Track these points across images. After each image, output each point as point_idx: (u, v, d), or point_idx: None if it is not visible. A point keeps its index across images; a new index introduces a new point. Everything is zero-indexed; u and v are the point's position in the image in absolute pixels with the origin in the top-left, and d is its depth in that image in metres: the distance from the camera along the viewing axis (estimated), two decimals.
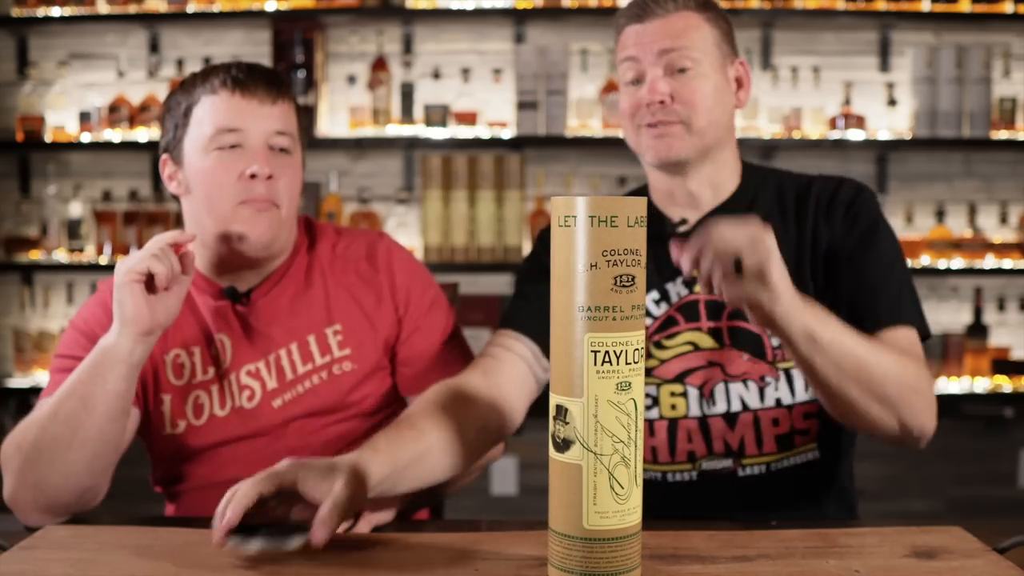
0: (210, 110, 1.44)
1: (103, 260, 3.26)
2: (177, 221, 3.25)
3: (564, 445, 0.93)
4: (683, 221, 1.48)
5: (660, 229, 1.47)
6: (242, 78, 1.44)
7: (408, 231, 3.30)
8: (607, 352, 0.91)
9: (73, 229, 3.30)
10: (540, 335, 1.47)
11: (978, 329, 3.28)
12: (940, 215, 3.29)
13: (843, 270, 1.40)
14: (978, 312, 3.29)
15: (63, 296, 3.43)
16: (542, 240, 1.56)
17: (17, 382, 3.34)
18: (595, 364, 0.91)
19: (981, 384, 3.24)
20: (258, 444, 1.48)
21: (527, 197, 3.23)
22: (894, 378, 1.23)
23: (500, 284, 3.33)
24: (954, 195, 3.38)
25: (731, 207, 1.47)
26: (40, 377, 3.33)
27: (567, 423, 0.92)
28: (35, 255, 3.33)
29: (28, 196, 3.43)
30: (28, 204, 3.40)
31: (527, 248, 3.21)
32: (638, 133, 1.45)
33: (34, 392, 3.27)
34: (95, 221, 3.30)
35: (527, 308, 1.49)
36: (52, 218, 3.34)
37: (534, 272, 1.52)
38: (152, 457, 1.54)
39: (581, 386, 0.92)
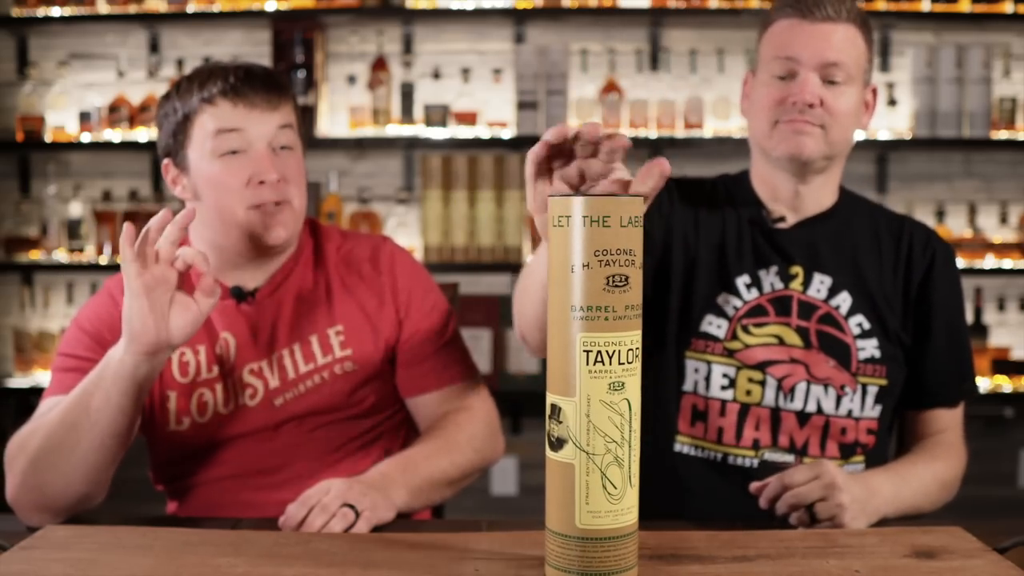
0: (211, 121, 1.43)
1: (103, 260, 3.26)
2: None
3: (558, 444, 0.94)
4: (781, 219, 1.52)
5: (759, 218, 1.52)
6: (240, 87, 1.43)
7: (408, 231, 3.30)
8: (599, 352, 0.91)
9: (73, 229, 3.30)
10: None
11: (978, 329, 3.28)
12: (940, 215, 3.29)
13: (931, 325, 1.50)
14: (978, 312, 3.29)
15: (63, 296, 3.43)
16: None
17: (17, 382, 3.34)
18: (587, 364, 0.91)
19: (981, 384, 3.23)
20: (259, 441, 1.48)
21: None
22: (947, 495, 1.45)
23: (500, 284, 3.33)
24: (954, 195, 3.38)
25: (829, 219, 1.52)
26: (40, 377, 3.33)
27: (560, 422, 0.93)
28: (35, 255, 3.33)
29: (28, 196, 3.43)
30: (28, 204, 3.40)
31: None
32: (774, 127, 1.46)
33: (34, 392, 3.27)
34: (95, 221, 3.30)
35: None
36: (52, 218, 3.33)
37: None
38: (153, 454, 1.54)
39: (574, 385, 0.92)
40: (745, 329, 1.47)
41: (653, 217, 1.50)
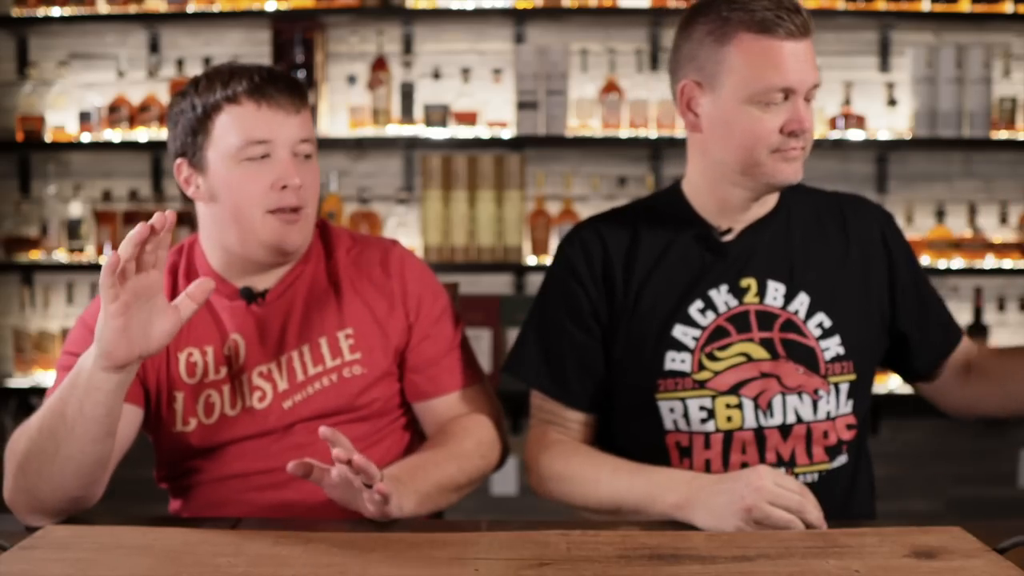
0: (236, 121, 1.43)
1: (103, 260, 3.25)
2: (179, 221, 3.25)
3: None
4: (728, 230, 1.49)
5: (705, 235, 1.49)
6: (265, 87, 1.43)
7: (408, 231, 3.30)
8: None
9: (73, 229, 3.30)
10: (594, 401, 1.51)
11: (978, 329, 3.28)
12: (940, 215, 3.29)
13: (903, 295, 1.52)
14: (978, 312, 3.29)
15: (63, 296, 3.42)
16: (565, 265, 1.52)
17: (17, 382, 3.34)
18: None
19: None
20: (266, 442, 1.49)
21: (527, 197, 3.22)
22: None
23: (500, 284, 3.33)
24: (954, 195, 3.38)
25: (772, 220, 1.50)
26: (40, 377, 3.32)
27: None
28: (35, 255, 3.33)
29: (28, 196, 3.43)
30: (28, 204, 3.40)
31: (527, 248, 3.20)
32: (770, 154, 1.40)
33: (34, 392, 3.27)
34: (95, 221, 3.30)
35: (575, 370, 1.50)
36: (52, 218, 3.33)
37: (561, 309, 1.51)
38: (158, 453, 1.55)
39: None
40: (710, 356, 1.44)
41: (591, 289, 1.49)
